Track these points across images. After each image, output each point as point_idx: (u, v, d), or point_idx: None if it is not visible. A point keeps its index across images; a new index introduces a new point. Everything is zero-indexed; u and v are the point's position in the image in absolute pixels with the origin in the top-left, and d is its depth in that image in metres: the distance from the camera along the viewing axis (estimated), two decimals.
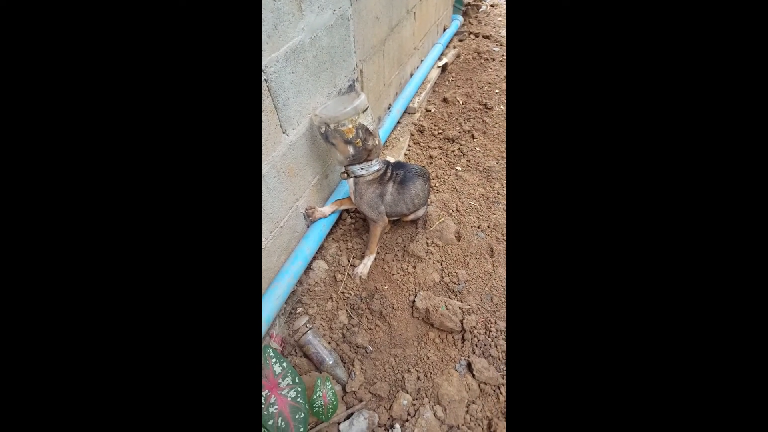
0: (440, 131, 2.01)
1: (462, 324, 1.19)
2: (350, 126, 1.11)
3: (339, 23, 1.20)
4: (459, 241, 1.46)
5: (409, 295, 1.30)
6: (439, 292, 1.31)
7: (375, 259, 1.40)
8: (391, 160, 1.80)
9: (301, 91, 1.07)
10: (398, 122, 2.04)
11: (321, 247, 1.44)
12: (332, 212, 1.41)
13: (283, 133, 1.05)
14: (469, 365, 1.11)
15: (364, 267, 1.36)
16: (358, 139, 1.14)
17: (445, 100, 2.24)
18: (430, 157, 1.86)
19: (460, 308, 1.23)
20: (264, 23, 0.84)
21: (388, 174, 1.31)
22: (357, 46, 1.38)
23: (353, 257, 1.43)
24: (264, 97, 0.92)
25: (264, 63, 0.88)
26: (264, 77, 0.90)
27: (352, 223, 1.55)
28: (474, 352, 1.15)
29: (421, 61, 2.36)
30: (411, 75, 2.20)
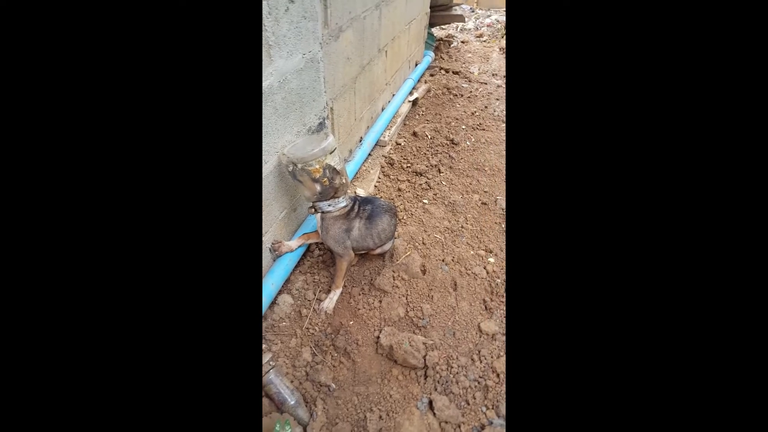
0: (409, 165, 2.08)
1: (425, 360, 1.21)
2: (317, 166, 1.14)
3: (309, 66, 1.25)
4: (424, 274, 1.50)
5: (374, 330, 1.31)
6: (404, 328, 1.33)
7: (341, 293, 1.41)
8: (362, 193, 1.85)
9: (268, 131, 1.10)
10: (369, 154, 2.10)
11: (287, 281, 1.43)
12: (299, 246, 1.41)
13: None
14: (430, 403, 1.13)
15: (329, 302, 1.37)
16: (325, 179, 1.17)
17: (414, 134, 2.34)
18: (399, 189, 1.92)
19: (423, 344, 1.25)
20: None
21: (355, 210, 1.34)
22: (327, 86, 1.44)
23: (320, 291, 1.43)
24: None
25: None
26: None
27: (320, 255, 1.55)
28: (436, 389, 1.16)
29: (393, 95, 2.46)
30: (382, 109, 2.29)
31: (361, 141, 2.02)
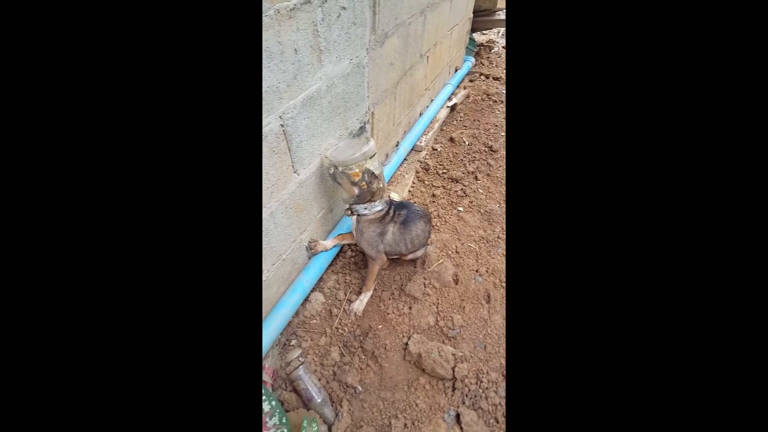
0: (445, 171, 2.06)
1: (454, 372, 1.19)
2: (357, 170, 1.15)
3: (355, 71, 1.27)
4: (456, 284, 1.48)
5: (403, 336, 1.31)
6: (433, 337, 1.31)
7: (371, 296, 1.41)
8: (396, 197, 1.85)
9: (314, 134, 1.13)
10: (405, 159, 2.10)
11: (320, 279, 1.46)
12: (334, 246, 1.43)
13: (295, 172, 1.10)
14: (458, 417, 1.10)
15: (360, 303, 1.38)
16: (364, 182, 1.19)
17: (451, 139, 2.31)
18: (433, 195, 1.90)
19: (453, 355, 1.23)
20: (284, 74, 0.91)
21: (390, 214, 1.34)
22: (370, 91, 1.46)
23: (350, 292, 1.44)
24: (279, 140, 0.97)
25: (282, 110, 0.94)
26: (280, 122, 0.95)
27: (353, 257, 1.57)
28: (464, 403, 1.14)
29: (431, 101, 2.45)
30: (420, 114, 2.28)
31: (397, 145, 2.03)
